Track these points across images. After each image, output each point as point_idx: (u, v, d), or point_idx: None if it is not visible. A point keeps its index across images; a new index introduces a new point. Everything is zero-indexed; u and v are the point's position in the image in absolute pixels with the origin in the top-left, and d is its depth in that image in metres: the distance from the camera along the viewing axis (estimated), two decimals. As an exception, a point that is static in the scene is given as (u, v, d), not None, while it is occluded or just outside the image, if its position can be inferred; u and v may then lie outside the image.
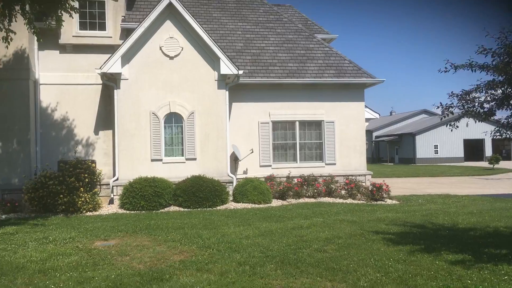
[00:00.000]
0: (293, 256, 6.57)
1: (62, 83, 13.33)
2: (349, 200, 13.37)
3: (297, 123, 15.12)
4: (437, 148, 47.22)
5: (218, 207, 11.65)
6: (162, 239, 7.88)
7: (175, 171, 12.91)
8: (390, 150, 53.06)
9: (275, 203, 12.55)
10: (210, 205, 11.56)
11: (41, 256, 6.70)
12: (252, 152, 14.63)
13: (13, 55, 12.25)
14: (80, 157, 12.19)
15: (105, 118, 13.56)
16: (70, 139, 13.34)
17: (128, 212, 11.11)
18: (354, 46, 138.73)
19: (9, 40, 8.91)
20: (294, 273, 5.76)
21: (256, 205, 11.98)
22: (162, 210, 11.32)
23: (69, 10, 9.72)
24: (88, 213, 11.00)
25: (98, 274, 5.76)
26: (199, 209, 11.43)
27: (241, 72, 13.04)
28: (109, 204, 12.37)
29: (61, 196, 10.79)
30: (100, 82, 13.50)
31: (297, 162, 15.08)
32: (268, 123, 14.92)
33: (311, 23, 19.12)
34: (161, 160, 12.91)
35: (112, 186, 12.53)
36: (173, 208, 11.56)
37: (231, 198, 12.53)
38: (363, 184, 14.57)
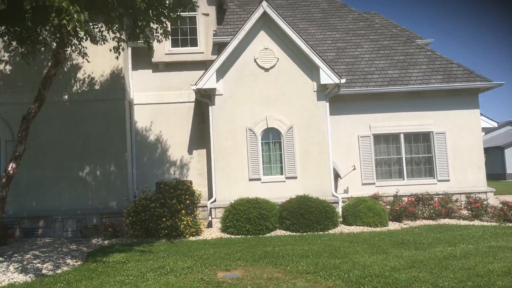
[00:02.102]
0: (482, 296, 5.13)
1: (155, 102, 12.93)
2: (476, 222, 11.52)
3: (401, 135, 13.59)
4: (529, 162, 42.64)
5: (330, 231, 10.36)
6: (292, 270, 6.74)
7: (274, 191, 11.86)
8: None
9: (392, 225, 11.03)
10: (321, 228, 10.30)
11: (169, 290, 5.81)
12: (355, 168, 13.27)
13: (109, 75, 12.03)
14: (177, 178, 11.54)
15: (198, 137, 12.93)
16: (165, 159, 12.81)
17: (233, 236, 10.15)
18: (452, 51, 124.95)
19: (120, 50, 8.44)
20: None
21: (372, 228, 10.55)
22: (269, 234, 10.24)
23: (160, 35, 9.28)
24: (191, 238, 10.18)
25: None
26: (309, 233, 10.21)
27: (343, 80, 11.88)
28: (207, 227, 11.54)
29: (164, 219, 10.10)
30: (193, 99, 12.95)
31: (404, 179, 13.47)
32: (369, 136, 13.53)
33: (401, 28, 17.66)
34: (259, 179, 11.94)
35: (210, 208, 11.71)
36: (280, 232, 10.44)
37: (340, 219, 11.20)
38: (486, 202, 12.61)
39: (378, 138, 13.63)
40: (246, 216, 10.25)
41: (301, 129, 12.09)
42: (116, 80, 12.04)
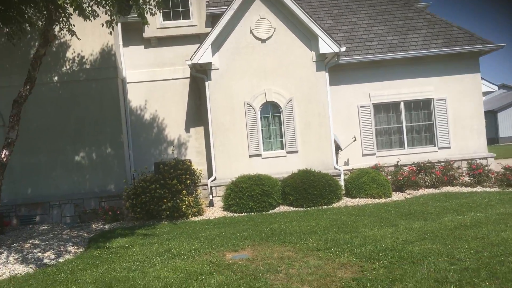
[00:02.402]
0: (502, 267, 4.98)
1: (149, 79, 12.46)
2: (479, 188, 11.43)
3: (401, 103, 13.31)
4: (522, 125, 42.78)
5: (334, 204, 10.21)
6: (302, 247, 6.57)
7: (275, 166, 11.64)
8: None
9: (396, 196, 10.91)
10: (325, 202, 10.14)
11: (178, 276, 5.60)
12: (355, 140, 13.04)
13: (100, 53, 11.50)
14: (176, 158, 11.24)
15: (195, 114, 12.56)
16: (162, 139, 12.46)
17: (236, 215, 9.96)
18: (450, 14, 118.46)
19: (114, 24, 7.94)
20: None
21: (376, 200, 10.42)
22: (273, 211, 10.07)
23: (153, 7, 8.71)
24: (194, 218, 9.99)
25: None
26: (313, 207, 10.06)
27: (343, 49, 11.46)
28: (209, 206, 11.35)
29: (165, 200, 9.86)
30: (188, 75, 12.50)
31: (404, 148, 13.28)
32: (369, 106, 13.23)
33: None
34: (260, 155, 11.68)
35: (211, 187, 11.49)
36: (283, 208, 10.28)
37: (343, 192, 11.04)
38: (488, 168, 12.50)
39: (378, 108, 13.35)
40: (249, 194, 10.04)
41: (301, 102, 11.76)
42: (107, 58, 11.53)
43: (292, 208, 10.18)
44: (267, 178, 10.45)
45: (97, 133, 11.40)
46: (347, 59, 12.82)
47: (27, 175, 11.23)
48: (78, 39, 9.47)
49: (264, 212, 9.95)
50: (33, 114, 11.31)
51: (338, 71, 13.01)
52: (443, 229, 7.00)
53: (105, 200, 11.28)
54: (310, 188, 10.06)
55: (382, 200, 10.32)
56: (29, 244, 8.35)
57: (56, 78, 11.43)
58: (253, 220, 9.08)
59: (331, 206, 10.09)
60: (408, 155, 13.14)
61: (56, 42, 11.36)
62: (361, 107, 13.22)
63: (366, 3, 14.81)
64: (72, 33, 9.03)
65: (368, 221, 7.99)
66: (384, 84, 13.31)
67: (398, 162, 12.91)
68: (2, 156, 7.44)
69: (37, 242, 8.53)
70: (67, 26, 8.86)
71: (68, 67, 11.46)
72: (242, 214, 9.96)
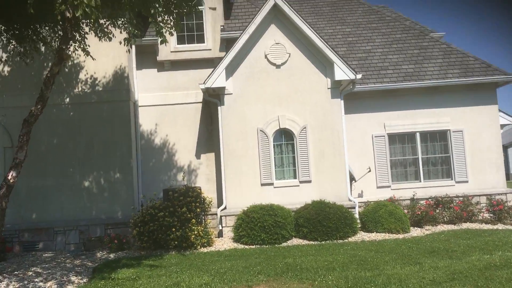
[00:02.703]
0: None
1: (161, 103, 12.27)
2: (500, 226, 10.96)
3: (417, 134, 12.98)
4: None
5: (350, 238, 9.75)
6: (321, 285, 6.13)
7: (288, 196, 11.25)
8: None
9: (415, 231, 10.43)
10: (340, 236, 9.69)
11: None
12: (370, 170, 12.65)
13: (113, 75, 11.37)
14: (186, 185, 10.90)
15: (207, 140, 12.28)
16: (172, 164, 12.16)
17: (247, 247, 9.52)
18: (464, 44, 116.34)
19: (132, 40, 7.80)
20: None
21: (394, 235, 9.95)
22: (285, 244, 9.62)
23: (170, 28, 8.55)
24: (203, 249, 9.55)
25: None
26: (327, 241, 9.60)
27: (359, 76, 11.25)
28: (218, 236, 10.92)
29: (174, 229, 9.47)
30: (200, 100, 12.31)
31: (420, 181, 12.85)
32: (384, 136, 12.91)
33: (411, 22, 17.02)
34: (272, 184, 11.32)
35: (220, 216, 11.09)
36: (296, 241, 9.82)
37: (359, 226, 10.58)
38: (509, 204, 12.02)
39: (393, 138, 13.02)
40: (261, 225, 9.63)
41: (315, 129, 11.47)
42: (120, 81, 11.39)
43: (305, 241, 9.72)
44: (279, 209, 10.05)
45: (106, 156, 11.13)
46: (361, 87, 12.60)
47: (33, 198, 10.92)
48: (93, 59, 9.35)
49: (276, 245, 9.51)
50: (43, 135, 11.10)
51: (353, 99, 12.77)
52: (472, 269, 6.54)
53: (111, 227, 10.90)
54: (325, 221, 9.63)
55: (401, 236, 9.84)
56: (31, 272, 7.95)
57: (67, 99, 11.27)
58: (266, 253, 8.64)
59: (346, 240, 9.63)
60: (424, 189, 12.70)
61: (70, 63, 11.27)
62: (375, 137, 12.90)
63: (381, 32, 14.71)
64: (87, 53, 8.91)
65: (389, 258, 7.53)
66: (400, 114, 13.03)
67: (414, 195, 12.45)
68: (9, 177, 7.16)
69: (39, 270, 8.12)
70: (82, 46, 8.73)
71: (80, 88, 11.32)
72: (254, 246, 9.52)
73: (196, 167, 12.20)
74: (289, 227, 9.81)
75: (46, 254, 10.06)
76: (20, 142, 7.38)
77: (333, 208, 9.93)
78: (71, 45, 8.51)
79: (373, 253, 8.05)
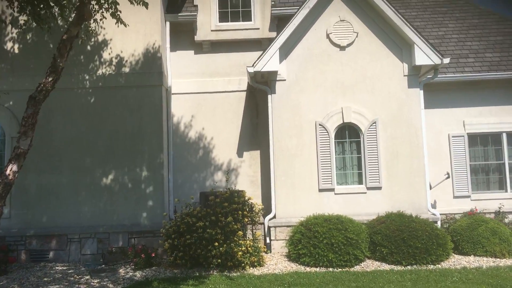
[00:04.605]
0: None
1: (198, 91, 10.32)
2: None
3: (503, 135, 10.69)
4: None
5: (443, 263, 7.55)
6: None
7: (351, 205, 9.13)
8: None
9: (521, 255, 8.17)
10: (432, 260, 7.49)
11: None
12: (448, 176, 10.41)
13: (143, 55, 9.49)
14: (230, 188, 8.88)
15: (251, 136, 10.27)
16: (208, 163, 10.17)
17: (310, 269, 7.42)
18: None
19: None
20: None
21: (499, 259, 7.72)
22: (359, 267, 7.49)
23: None
24: (253, 270, 7.50)
25: None
26: (414, 266, 7.43)
27: (446, 60, 9.12)
28: (266, 252, 8.85)
29: (216, 244, 7.44)
30: (244, 88, 10.31)
31: (507, 191, 10.54)
32: (463, 136, 10.66)
33: (484, 8, 14.73)
34: (332, 189, 9.21)
35: (269, 227, 9.03)
36: (372, 264, 7.68)
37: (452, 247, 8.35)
38: None
39: (474, 139, 10.76)
40: (328, 241, 7.52)
41: (387, 125, 9.34)
42: (152, 62, 9.49)
43: (385, 265, 7.57)
44: (349, 222, 7.93)
45: (132, 151, 9.21)
46: (439, 77, 10.39)
47: (44, 199, 9.06)
48: (125, 25, 7.36)
49: (348, 269, 7.38)
50: (57, 125, 9.26)
51: (425, 91, 10.53)
52: None
53: (136, 236, 8.95)
54: (411, 239, 7.46)
55: (508, 261, 7.60)
56: (34, 298, 6.02)
57: (88, 82, 9.41)
58: (342, 281, 6.52)
59: (439, 265, 7.44)
60: (511, 200, 10.41)
61: (92, 39, 9.43)
62: (453, 137, 10.66)
63: (453, 16, 12.50)
64: (117, 19, 7.00)
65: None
66: (482, 110, 10.77)
67: (500, 208, 10.18)
68: (7, 172, 5.27)
69: (45, 294, 6.19)
70: (111, 9, 6.81)
71: (103, 70, 9.45)
72: (318, 269, 7.41)
73: (237, 166, 10.17)
74: (364, 246, 7.67)
75: (57, 267, 8.17)
76: (23, 126, 5.51)
77: (419, 223, 7.76)
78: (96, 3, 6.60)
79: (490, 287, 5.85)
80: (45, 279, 7.20)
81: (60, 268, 8.16)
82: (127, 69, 9.44)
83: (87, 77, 9.39)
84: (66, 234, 8.90)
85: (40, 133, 9.13)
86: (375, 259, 7.83)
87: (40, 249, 8.84)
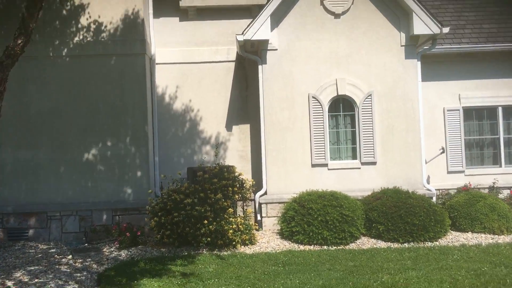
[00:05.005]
0: None
1: (183, 61, 9.72)
2: None
3: (499, 109, 10.44)
4: None
5: (441, 241, 7.37)
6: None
7: (345, 181, 8.84)
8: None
9: (518, 231, 8.04)
10: (430, 237, 7.28)
11: None
12: (443, 151, 10.19)
13: (122, 21, 8.82)
14: (219, 163, 8.45)
15: (240, 109, 9.79)
16: (195, 137, 9.70)
17: (304, 248, 7.15)
18: None
19: None
20: None
21: (497, 236, 7.56)
22: (355, 245, 7.25)
23: None
24: (245, 249, 7.19)
25: None
26: (411, 243, 7.22)
27: (446, 30, 8.72)
28: (257, 229, 8.54)
29: (205, 222, 7.07)
30: (233, 58, 9.77)
31: (501, 166, 10.38)
32: (458, 110, 10.38)
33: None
34: (326, 165, 8.89)
35: (260, 204, 8.70)
36: (367, 241, 7.45)
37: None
38: None
39: (469, 113, 10.50)
40: (322, 218, 7.23)
41: (383, 98, 8.98)
42: (133, 29, 8.84)
43: (381, 242, 7.34)
44: (344, 198, 7.64)
45: (115, 124, 8.69)
46: (436, 49, 9.99)
47: (21, 175, 8.51)
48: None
49: (344, 246, 7.13)
50: (33, 97, 8.64)
51: (421, 63, 10.18)
52: None
53: (120, 213, 8.53)
54: (408, 216, 7.22)
55: (507, 238, 7.45)
56: (11, 282, 5.59)
57: (65, 50, 8.74)
58: (339, 260, 6.26)
59: (437, 243, 7.25)
60: (506, 175, 10.26)
61: (68, 3, 8.70)
62: (448, 110, 10.38)
63: (451, -15, 12.02)
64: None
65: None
66: (478, 84, 10.47)
67: (494, 183, 10.04)
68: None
69: (25, 278, 5.76)
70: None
71: (81, 37, 8.78)
72: (312, 247, 7.15)
73: (226, 139, 9.74)
74: (359, 223, 7.41)
75: (38, 246, 7.74)
76: (-11, 94, 4.92)
77: (416, 199, 7.53)
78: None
79: (503, 267, 5.64)
80: (23, 259, 6.76)
81: (41, 247, 7.73)
82: (107, 36, 8.78)
83: (63, 45, 8.71)
84: (46, 211, 8.43)
85: (14, 105, 8.52)
86: (371, 236, 7.59)
87: (19, 227, 8.36)
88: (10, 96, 8.57)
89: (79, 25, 8.80)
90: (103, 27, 8.77)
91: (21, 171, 8.51)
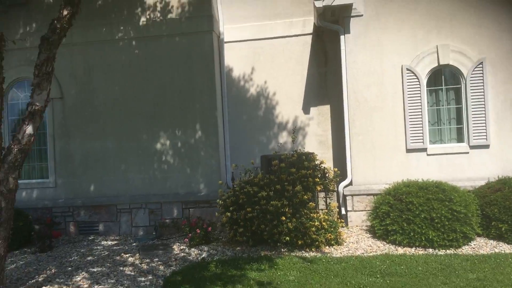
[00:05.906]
0: None
1: (254, 37, 8.74)
2: None
3: None
4: None
5: None
6: None
7: (448, 168, 7.32)
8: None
9: None
10: None
11: None
12: None
13: (188, -4, 8.04)
14: (297, 150, 7.40)
15: (319, 88, 8.61)
16: (269, 122, 8.72)
17: (403, 251, 5.86)
18: None
19: None
20: None
21: None
22: (468, 248, 5.80)
23: None
24: (331, 250, 6.09)
25: None
26: (546, 247, 5.61)
27: None
28: (342, 226, 7.36)
29: (284, 218, 6.08)
30: (309, 31, 8.58)
31: None
32: None
33: None
34: (424, 149, 7.43)
35: (345, 196, 7.51)
36: (485, 243, 5.96)
37: None
38: None
39: None
40: (426, 215, 5.87)
41: (498, 66, 7.26)
42: (200, 4, 8.03)
43: (504, 245, 5.81)
44: (453, 190, 6.18)
45: (182, 111, 7.99)
46: None
47: (89, 167, 8.18)
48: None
49: (455, 250, 5.72)
50: (98, 84, 8.23)
51: None
52: None
53: (191, 206, 7.84)
54: (542, 213, 5.61)
55: None
56: (73, 283, 5.06)
57: (130, 33, 8.18)
58: (454, 270, 4.89)
59: None
60: None
61: (131, -19, 8.11)
62: None
63: None
64: None
65: None
66: None
67: None
68: (20, 136, 4.13)
69: (85, 284, 5.20)
70: None
71: (145, 18, 8.15)
72: (414, 250, 5.84)
73: (303, 124, 8.63)
74: (474, 221, 5.94)
75: (105, 242, 7.31)
76: (36, 76, 4.31)
77: (551, 191, 5.85)
78: None
79: None
80: (89, 258, 6.30)
81: (109, 242, 7.30)
82: (172, 15, 8.06)
83: (128, 27, 8.16)
84: (115, 204, 8.01)
85: (81, 94, 8.20)
86: (489, 237, 6.07)
87: (89, 220, 8.04)
88: (77, 84, 8.30)
89: (144, 5, 8.18)
90: (168, 7, 8.06)
91: (89, 162, 8.17)
